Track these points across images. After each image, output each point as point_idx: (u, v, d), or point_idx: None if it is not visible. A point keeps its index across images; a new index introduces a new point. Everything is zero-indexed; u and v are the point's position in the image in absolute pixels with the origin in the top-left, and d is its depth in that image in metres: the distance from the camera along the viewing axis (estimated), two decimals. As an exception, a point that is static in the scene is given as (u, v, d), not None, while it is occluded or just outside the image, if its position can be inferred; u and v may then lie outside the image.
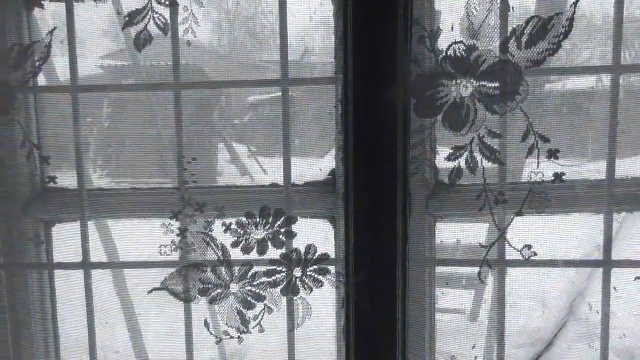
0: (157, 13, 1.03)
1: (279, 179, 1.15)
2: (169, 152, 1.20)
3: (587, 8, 1.04)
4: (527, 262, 1.08)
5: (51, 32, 1.07)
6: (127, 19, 1.02)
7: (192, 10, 1.03)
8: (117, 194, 1.20)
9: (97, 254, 1.22)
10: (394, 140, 1.07)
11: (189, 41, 1.03)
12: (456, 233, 1.15)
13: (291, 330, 1.10)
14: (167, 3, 1.02)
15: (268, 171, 1.28)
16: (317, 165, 1.24)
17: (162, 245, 1.08)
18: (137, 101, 1.28)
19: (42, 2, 1.19)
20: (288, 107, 1.15)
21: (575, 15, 0.91)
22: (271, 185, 1.18)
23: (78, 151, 1.12)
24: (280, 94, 1.11)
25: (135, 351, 1.51)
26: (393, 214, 1.11)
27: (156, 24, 1.03)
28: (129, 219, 1.20)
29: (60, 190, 1.16)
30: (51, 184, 1.12)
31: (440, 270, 1.20)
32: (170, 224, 1.07)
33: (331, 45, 1.14)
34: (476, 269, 1.09)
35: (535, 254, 1.00)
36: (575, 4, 0.91)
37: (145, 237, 1.17)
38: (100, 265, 1.24)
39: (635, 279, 1.05)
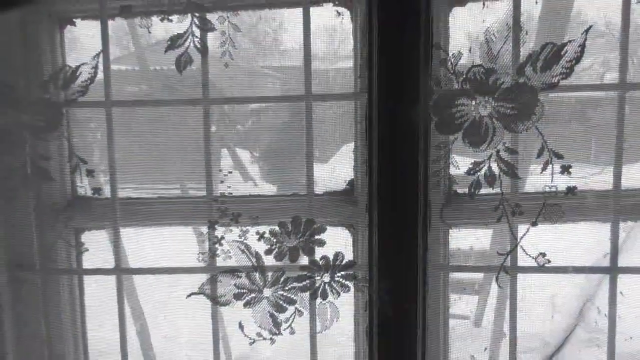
0: (196, 37, 1.11)
1: (284, 185, 1.23)
2: (198, 163, 1.28)
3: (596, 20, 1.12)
4: (540, 269, 1.16)
5: (98, 55, 1.15)
6: (169, 42, 1.10)
7: (229, 35, 1.11)
8: (148, 203, 1.28)
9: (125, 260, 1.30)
10: (415, 155, 1.15)
11: (226, 63, 1.11)
12: (470, 241, 1.23)
13: (320, 332, 1.18)
14: (207, 28, 1.10)
15: (270, 176, 1.34)
16: (335, 175, 1.32)
17: (200, 252, 1.16)
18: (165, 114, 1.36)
19: (74, 20, 1.27)
20: (311, 121, 1.23)
21: (586, 42, 0.99)
22: (292, 195, 1.26)
23: (111, 162, 1.21)
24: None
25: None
26: (414, 223, 1.18)
27: (196, 47, 1.11)
28: (162, 226, 1.28)
29: (100, 200, 1.24)
30: (95, 195, 1.20)
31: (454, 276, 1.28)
32: (207, 232, 1.15)
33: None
34: (481, 276, 1.16)
35: (549, 261, 1.08)
36: (587, 31, 0.99)
37: (179, 245, 1.25)
38: (133, 271, 1.32)
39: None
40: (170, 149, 1.26)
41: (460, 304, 1.36)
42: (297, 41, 1.25)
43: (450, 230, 1.22)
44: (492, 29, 1.03)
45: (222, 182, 1.16)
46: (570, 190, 1.04)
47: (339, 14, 1.24)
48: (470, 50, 1.08)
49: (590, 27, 1.00)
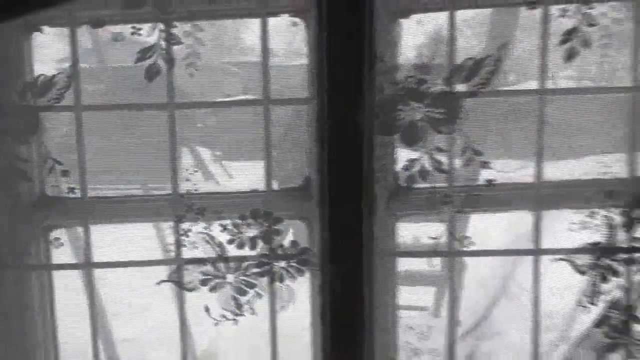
0: (163, 49, 1.24)
1: (246, 183, 1.36)
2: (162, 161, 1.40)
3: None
4: (472, 253, 1.34)
5: (74, 64, 1.26)
6: (139, 54, 1.23)
7: (194, 48, 1.24)
8: (118, 201, 1.39)
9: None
10: (360, 153, 1.31)
11: (191, 74, 1.25)
12: (413, 229, 1.40)
13: (278, 312, 1.33)
14: (173, 42, 1.23)
15: (234, 175, 1.46)
16: (291, 172, 1.46)
17: (168, 244, 1.29)
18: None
19: (41, 27, 1.37)
20: (269, 123, 1.37)
21: (501, 57, 1.18)
22: (252, 191, 1.39)
23: (82, 163, 1.32)
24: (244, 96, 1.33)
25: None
26: (360, 215, 1.34)
27: (163, 58, 1.24)
28: (131, 223, 1.40)
29: (74, 199, 1.35)
30: (70, 194, 1.31)
31: (404, 268, 1.44)
32: (174, 225, 1.28)
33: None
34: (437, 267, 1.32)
35: (474, 243, 1.26)
36: (501, 47, 1.18)
37: (148, 239, 1.37)
38: (104, 265, 1.42)
39: (555, 260, 1.32)
40: (138, 149, 1.38)
41: (419, 296, 1.51)
42: (257, 48, 1.38)
43: (396, 221, 1.39)
44: (425, 43, 1.20)
45: (187, 180, 1.29)
46: (490, 182, 1.22)
47: (294, 24, 1.38)
48: (406, 61, 1.25)
49: (504, 45, 1.18)
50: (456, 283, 1.40)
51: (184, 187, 1.29)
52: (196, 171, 1.29)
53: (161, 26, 1.22)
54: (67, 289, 1.45)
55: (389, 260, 1.42)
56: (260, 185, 1.38)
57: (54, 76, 1.26)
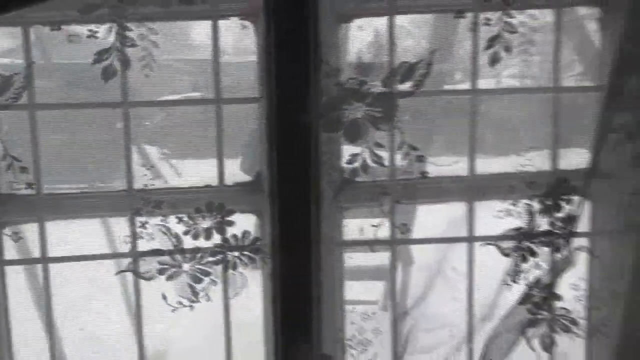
0: (119, 52, 1.30)
1: (198, 179, 1.44)
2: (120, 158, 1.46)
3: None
4: (411, 240, 1.47)
5: (29, 65, 1.31)
6: (96, 56, 1.29)
7: (150, 51, 1.32)
8: (75, 197, 1.45)
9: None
10: (307, 149, 1.41)
11: (146, 74, 1.32)
12: (357, 220, 1.52)
13: (232, 298, 1.42)
14: (129, 45, 1.30)
15: (187, 172, 1.51)
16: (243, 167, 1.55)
17: (126, 236, 1.36)
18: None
19: None
20: (222, 122, 1.46)
21: (433, 61, 1.31)
22: (206, 186, 1.47)
23: (36, 160, 1.38)
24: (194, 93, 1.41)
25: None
26: (308, 206, 1.45)
27: (120, 60, 1.31)
28: (88, 218, 1.46)
29: (31, 196, 1.41)
30: (29, 190, 1.36)
31: (351, 263, 1.55)
32: (131, 218, 1.36)
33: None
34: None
35: (410, 230, 1.39)
36: (432, 53, 1.31)
37: (104, 234, 1.44)
38: (62, 259, 1.47)
39: (484, 245, 1.46)
40: (92, 146, 1.44)
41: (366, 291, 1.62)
42: (209, 50, 1.45)
43: (342, 212, 1.50)
44: (364, 49, 1.32)
45: (144, 175, 1.36)
46: (423, 174, 1.35)
47: (243, 27, 1.47)
48: (348, 65, 1.37)
49: (435, 50, 1.31)
50: (399, 270, 1.53)
51: (140, 182, 1.36)
52: (149, 168, 1.36)
53: (117, 29, 1.29)
54: (22, 285, 1.50)
55: (335, 250, 1.53)
56: (214, 181, 1.46)
57: (11, 76, 1.31)
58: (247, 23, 1.46)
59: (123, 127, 1.40)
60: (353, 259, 1.56)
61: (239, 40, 1.53)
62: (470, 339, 1.50)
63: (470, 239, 1.51)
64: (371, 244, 1.52)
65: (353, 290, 1.57)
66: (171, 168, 1.51)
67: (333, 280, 1.54)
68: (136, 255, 1.37)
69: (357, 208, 1.48)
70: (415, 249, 1.57)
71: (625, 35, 1.36)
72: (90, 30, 1.28)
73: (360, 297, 1.61)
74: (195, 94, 1.51)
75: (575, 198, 1.38)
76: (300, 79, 1.39)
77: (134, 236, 1.36)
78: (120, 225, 1.38)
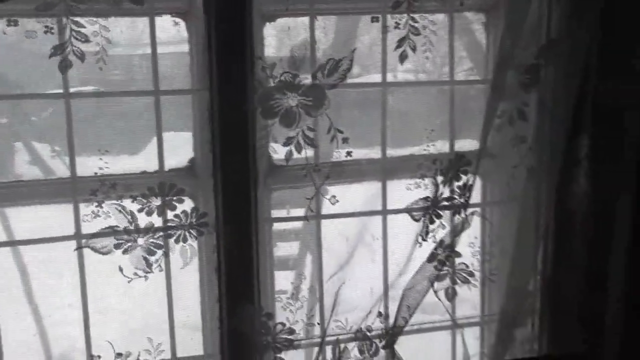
0: (75, 46, 1.43)
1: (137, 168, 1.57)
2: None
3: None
4: (336, 215, 1.70)
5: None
6: (52, 50, 1.41)
7: (102, 45, 1.45)
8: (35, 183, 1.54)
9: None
10: (245, 135, 1.61)
11: (100, 67, 1.46)
12: (290, 196, 1.73)
13: (182, 267, 1.59)
14: (82, 40, 1.43)
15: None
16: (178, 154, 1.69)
17: (84, 215, 1.49)
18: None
19: None
20: (160, 113, 1.60)
21: (354, 58, 1.56)
22: (142, 172, 1.61)
23: None
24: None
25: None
26: (247, 186, 1.64)
27: (75, 54, 1.43)
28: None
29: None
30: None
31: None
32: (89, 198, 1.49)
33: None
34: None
35: (338, 201, 1.63)
36: (353, 51, 1.55)
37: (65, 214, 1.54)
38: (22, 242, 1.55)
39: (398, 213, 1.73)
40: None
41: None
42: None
43: (276, 190, 1.71)
44: (295, 46, 1.54)
45: (100, 159, 1.50)
46: (348, 153, 1.60)
47: (176, 23, 1.63)
48: (281, 60, 1.58)
49: (355, 49, 1.56)
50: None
51: (96, 165, 1.50)
52: (107, 151, 1.50)
53: (72, 26, 1.42)
54: None
55: (269, 224, 1.74)
56: (153, 167, 1.61)
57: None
58: (179, 20, 1.62)
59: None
60: (285, 234, 1.79)
61: (173, 36, 1.69)
62: (386, 293, 1.77)
63: (385, 211, 1.78)
64: (302, 219, 1.75)
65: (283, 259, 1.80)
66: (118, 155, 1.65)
67: (265, 253, 1.75)
68: (95, 232, 1.51)
69: (291, 186, 1.70)
70: (339, 221, 1.81)
71: (504, 36, 1.68)
72: (46, 27, 1.40)
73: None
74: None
75: (470, 170, 1.68)
76: (238, 72, 1.58)
77: (94, 215, 1.49)
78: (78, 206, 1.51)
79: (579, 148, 1.68)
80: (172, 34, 1.65)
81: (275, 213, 1.72)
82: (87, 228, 1.52)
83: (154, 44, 1.54)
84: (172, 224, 1.56)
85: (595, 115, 1.70)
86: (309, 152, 1.61)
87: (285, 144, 1.57)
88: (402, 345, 1.77)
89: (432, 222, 1.68)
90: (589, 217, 1.71)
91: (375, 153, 1.75)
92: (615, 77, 1.67)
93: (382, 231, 1.77)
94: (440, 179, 1.68)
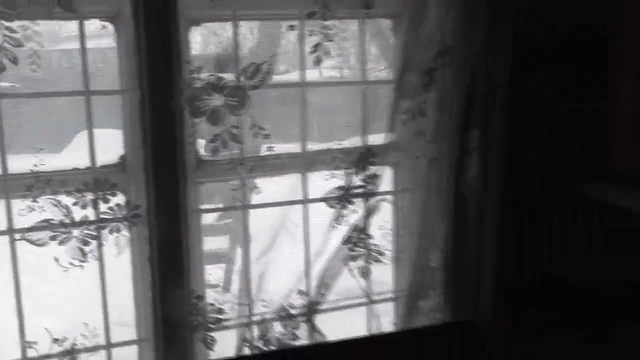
0: (8, 50, 1.51)
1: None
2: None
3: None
4: (260, 205, 1.87)
5: None
6: (-13, 55, 1.49)
7: (35, 49, 1.54)
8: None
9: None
10: (174, 133, 1.74)
11: (34, 69, 1.55)
12: (218, 189, 1.89)
13: (116, 256, 1.71)
14: (15, 45, 1.52)
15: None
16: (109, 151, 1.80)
17: (20, 209, 1.58)
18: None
19: None
20: (91, 112, 1.71)
21: (273, 62, 1.72)
22: (74, 169, 1.72)
23: None
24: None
25: None
26: (177, 180, 1.78)
27: (8, 58, 1.51)
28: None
29: None
30: None
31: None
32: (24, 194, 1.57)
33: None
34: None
35: (262, 192, 1.80)
36: (273, 56, 1.72)
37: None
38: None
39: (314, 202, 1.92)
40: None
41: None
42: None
43: (204, 183, 1.85)
44: (220, 48, 1.69)
45: (35, 156, 1.58)
46: (270, 148, 1.77)
47: (104, 27, 1.73)
48: (207, 62, 1.72)
49: (274, 54, 1.73)
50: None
51: (32, 162, 1.58)
52: (42, 149, 1.59)
53: (5, 32, 1.50)
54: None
55: (198, 215, 1.88)
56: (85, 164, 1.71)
57: None
58: (106, 23, 1.73)
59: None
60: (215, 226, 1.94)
61: (102, 38, 1.80)
62: (306, 274, 1.96)
63: (305, 200, 1.97)
64: (229, 209, 1.91)
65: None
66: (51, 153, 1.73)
67: (199, 238, 1.89)
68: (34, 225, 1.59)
69: (218, 180, 1.85)
70: (265, 211, 1.98)
71: (405, 42, 1.90)
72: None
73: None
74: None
75: (377, 161, 1.90)
76: (165, 74, 1.71)
77: (29, 209, 1.58)
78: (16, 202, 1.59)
79: (470, 140, 1.93)
80: (101, 36, 1.76)
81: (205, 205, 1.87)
82: (23, 222, 1.59)
83: (83, 46, 1.64)
84: (106, 216, 1.67)
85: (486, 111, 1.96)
86: (234, 148, 1.76)
87: (211, 141, 1.72)
88: (322, 320, 1.97)
89: (345, 208, 1.89)
90: (480, 201, 1.98)
91: (295, 147, 1.93)
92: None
93: (302, 218, 1.96)
94: (352, 170, 1.89)
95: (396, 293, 2.10)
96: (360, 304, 2.07)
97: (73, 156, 1.66)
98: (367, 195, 1.90)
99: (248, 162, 1.78)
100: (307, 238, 1.96)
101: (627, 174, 1.95)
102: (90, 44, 1.71)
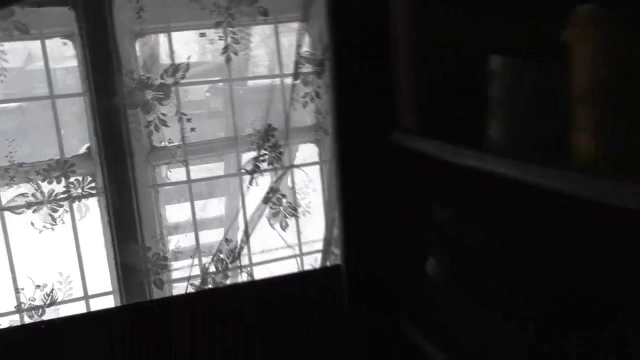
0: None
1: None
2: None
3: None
4: (199, 179, 2.39)
5: None
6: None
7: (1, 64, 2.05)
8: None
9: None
10: (120, 124, 2.26)
11: (2, 80, 2.06)
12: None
13: (79, 220, 2.23)
14: (-11, 62, 2.03)
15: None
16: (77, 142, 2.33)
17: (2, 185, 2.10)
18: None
19: None
20: (56, 112, 2.23)
21: (189, 63, 2.23)
22: (49, 159, 2.24)
23: None
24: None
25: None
26: (125, 159, 2.29)
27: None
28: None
29: None
30: None
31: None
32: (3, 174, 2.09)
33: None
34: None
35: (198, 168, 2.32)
36: (189, 58, 2.23)
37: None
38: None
39: (242, 173, 2.44)
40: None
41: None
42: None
43: (152, 162, 2.36)
44: (149, 54, 2.20)
45: (9, 145, 2.10)
46: (192, 129, 2.29)
47: (64, 43, 2.25)
48: (139, 66, 2.23)
49: (190, 56, 2.24)
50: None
51: (6, 150, 2.10)
52: (14, 140, 2.10)
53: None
54: None
55: (152, 190, 2.40)
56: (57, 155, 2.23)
57: None
58: (66, 40, 2.24)
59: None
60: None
61: (64, 52, 2.31)
62: (231, 226, 2.47)
63: (228, 175, 2.48)
64: (173, 184, 2.42)
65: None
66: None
67: (152, 204, 2.41)
68: (14, 197, 2.12)
69: (159, 157, 2.37)
70: (199, 184, 2.49)
71: (300, 40, 2.40)
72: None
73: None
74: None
75: (277, 135, 2.41)
76: (110, 77, 2.23)
77: (8, 186, 2.10)
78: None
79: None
80: (63, 51, 2.28)
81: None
82: (5, 196, 2.12)
83: (46, 58, 2.16)
84: (69, 189, 2.19)
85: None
86: (167, 132, 2.28)
87: (146, 126, 2.23)
88: (253, 268, 2.49)
89: (254, 172, 2.40)
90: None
91: (217, 134, 2.44)
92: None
93: (224, 189, 2.48)
94: (260, 142, 2.40)
95: (312, 242, 2.62)
96: (286, 258, 2.58)
97: (46, 149, 2.18)
98: (276, 162, 2.41)
99: (188, 147, 2.30)
100: (232, 200, 2.47)
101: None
102: (54, 56, 2.22)
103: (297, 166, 2.52)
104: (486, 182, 1.37)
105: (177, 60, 2.23)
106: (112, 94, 2.21)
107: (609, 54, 1.07)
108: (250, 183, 2.39)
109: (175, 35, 2.29)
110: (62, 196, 2.18)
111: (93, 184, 2.24)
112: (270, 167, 2.43)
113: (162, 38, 2.25)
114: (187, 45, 2.27)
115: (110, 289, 2.36)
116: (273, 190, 2.45)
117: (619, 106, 1.08)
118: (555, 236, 1.56)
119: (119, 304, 2.32)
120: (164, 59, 2.25)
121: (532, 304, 1.62)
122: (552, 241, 1.56)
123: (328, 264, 2.59)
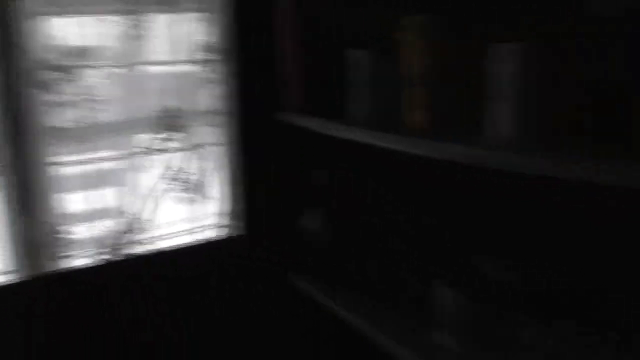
0: None
1: None
2: None
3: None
4: (104, 159, 2.52)
5: None
6: None
7: None
8: None
9: None
10: (19, 104, 2.35)
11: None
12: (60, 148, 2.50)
13: None
14: None
15: None
16: None
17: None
18: None
19: None
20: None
21: (91, 47, 2.37)
22: None
23: None
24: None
25: None
26: (24, 141, 2.39)
27: None
28: None
29: None
30: None
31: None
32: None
33: None
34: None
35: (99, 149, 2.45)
36: (89, 42, 2.36)
37: None
38: None
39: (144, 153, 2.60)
40: None
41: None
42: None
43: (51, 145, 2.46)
44: (52, 37, 2.31)
45: None
46: (92, 109, 2.42)
47: None
48: (41, 49, 2.34)
49: (91, 40, 2.37)
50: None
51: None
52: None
53: None
54: None
55: (51, 169, 2.50)
56: None
57: None
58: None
59: None
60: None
61: None
62: (134, 202, 2.63)
63: (133, 153, 2.63)
64: (73, 164, 2.54)
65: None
66: None
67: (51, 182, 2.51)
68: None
69: (61, 138, 2.47)
70: (102, 164, 2.62)
71: (208, 30, 2.60)
72: None
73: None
74: None
75: (179, 120, 2.60)
76: (9, 57, 2.31)
77: None
78: None
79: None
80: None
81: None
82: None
83: None
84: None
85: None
86: (70, 114, 2.40)
87: (45, 106, 2.35)
88: (156, 241, 2.66)
89: (158, 152, 2.58)
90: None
91: (121, 114, 2.60)
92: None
93: (126, 169, 2.63)
94: (161, 125, 2.58)
95: (212, 217, 2.83)
96: (190, 232, 2.77)
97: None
98: (176, 143, 2.60)
99: (89, 129, 2.43)
100: (136, 178, 2.63)
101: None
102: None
103: (201, 145, 2.73)
104: (351, 148, 1.72)
105: (78, 43, 2.36)
106: (12, 76, 2.30)
107: (433, 50, 1.45)
108: (153, 163, 2.57)
109: (77, 19, 2.42)
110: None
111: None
112: (173, 147, 2.62)
113: (64, 20, 2.37)
114: (88, 29, 2.41)
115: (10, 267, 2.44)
116: (176, 169, 2.64)
117: (441, 87, 1.45)
118: (398, 185, 1.97)
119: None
120: (65, 42, 2.37)
121: (395, 243, 2.01)
122: (397, 190, 1.97)
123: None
